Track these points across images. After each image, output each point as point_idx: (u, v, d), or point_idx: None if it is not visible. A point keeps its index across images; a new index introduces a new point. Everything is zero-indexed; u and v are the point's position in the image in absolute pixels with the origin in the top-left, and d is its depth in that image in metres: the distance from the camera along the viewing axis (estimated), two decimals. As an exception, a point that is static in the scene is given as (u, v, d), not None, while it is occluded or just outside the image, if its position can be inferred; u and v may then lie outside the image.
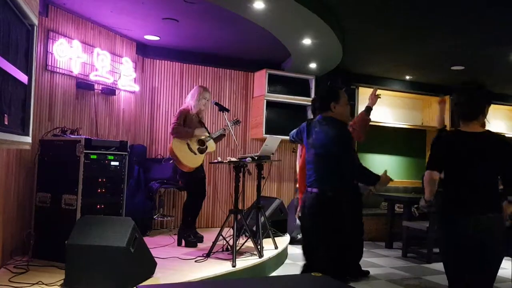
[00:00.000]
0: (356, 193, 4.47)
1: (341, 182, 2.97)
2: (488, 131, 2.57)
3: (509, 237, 2.60)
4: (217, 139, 4.93)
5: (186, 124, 4.66)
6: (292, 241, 5.93)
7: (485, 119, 2.63)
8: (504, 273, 4.50)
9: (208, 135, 4.82)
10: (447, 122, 4.02)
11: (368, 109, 3.96)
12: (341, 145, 2.98)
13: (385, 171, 3.02)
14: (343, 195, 2.97)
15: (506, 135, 8.62)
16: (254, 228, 4.65)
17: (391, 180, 3.05)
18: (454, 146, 2.55)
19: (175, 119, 4.66)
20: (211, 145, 4.84)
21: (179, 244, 4.75)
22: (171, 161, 4.71)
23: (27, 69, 2.46)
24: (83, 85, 4.79)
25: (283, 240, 5.39)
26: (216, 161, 4.53)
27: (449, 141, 2.61)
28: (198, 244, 4.79)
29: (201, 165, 4.82)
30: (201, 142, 4.75)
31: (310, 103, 6.66)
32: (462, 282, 2.55)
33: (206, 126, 4.91)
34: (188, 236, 4.76)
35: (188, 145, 4.63)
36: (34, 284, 3.21)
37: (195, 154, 4.67)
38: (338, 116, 3.08)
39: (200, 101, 4.76)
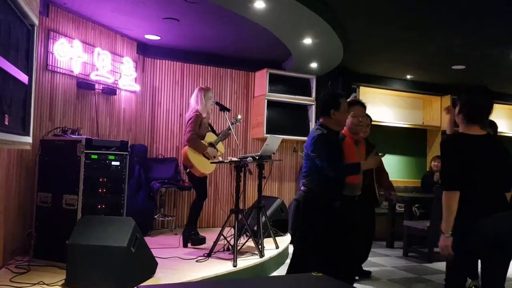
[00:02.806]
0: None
1: (315, 183, 3.21)
2: (489, 134, 2.58)
3: None
4: (223, 140, 4.95)
5: (199, 129, 4.65)
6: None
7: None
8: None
9: (216, 138, 4.83)
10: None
11: None
12: (314, 149, 3.16)
13: (374, 153, 3.21)
14: (318, 195, 3.18)
15: (507, 135, 8.64)
16: (255, 228, 4.64)
17: (380, 157, 3.29)
18: (465, 151, 2.52)
19: (191, 127, 4.56)
20: (220, 147, 4.84)
21: (185, 245, 4.70)
22: (188, 170, 4.65)
23: (27, 69, 2.46)
24: (84, 85, 4.79)
25: (284, 240, 5.39)
26: (217, 161, 4.52)
27: (461, 148, 2.54)
28: (201, 244, 4.79)
29: None
30: (212, 146, 4.75)
31: (311, 103, 6.70)
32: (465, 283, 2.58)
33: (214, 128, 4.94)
34: (193, 235, 4.75)
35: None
36: (35, 284, 3.21)
37: (209, 159, 4.67)
38: (335, 123, 3.26)
39: (207, 103, 4.74)
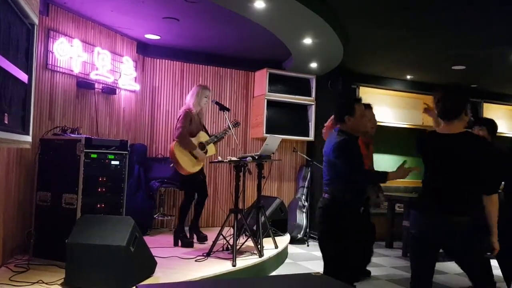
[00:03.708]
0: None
1: (338, 191, 3.10)
2: (467, 131, 2.59)
3: None
4: (215, 142, 4.93)
5: (190, 127, 4.63)
6: (292, 241, 5.94)
7: (468, 117, 2.63)
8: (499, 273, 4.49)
9: (209, 138, 4.82)
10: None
11: None
12: (338, 155, 3.06)
13: (404, 162, 3.04)
14: (343, 202, 3.08)
15: (506, 135, 8.63)
16: (254, 228, 4.65)
17: (409, 170, 3.01)
18: (429, 148, 2.63)
19: (181, 123, 4.55)
20: (211, 149, 4.82)
21: (176, 244, 4.73)
22: (172, 164, 4.68)
23: (27, 68, 2.46)
24: (84, 84, 4.79)
25: (283, 240, 5.40)
26: (216, 160, 4.52)
27: (424, 143, 2.70)
28: (200, 243, 4.79)
29: (201, 168, 4.81)
30: (202, 146, 4.74)
31: (310, 103, 6.70)
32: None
33: (206, 127, 4.91)
34: (185, 236, 4.76)
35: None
36: (34, 283, 3.21)
37: (196, 158, 4.65)
38: (351, 129, 3.15)
39: (201, 100, 4.74)
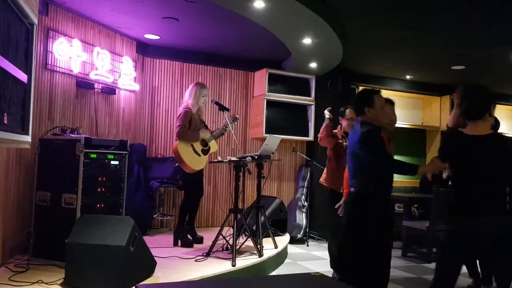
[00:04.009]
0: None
1: (365, 183, 3.08)
2: (496, 133, 2.59)
3: None
4: (216, 138, 4.92)
5: (189, 125, 4.62)
6: (292, 241, 5.94)
7: (492, 119, 2.64)
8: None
9: (210, 135, 4.81)
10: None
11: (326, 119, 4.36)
12: (362, 146, 3.03)
13: (436, 157, 2.94)
14: (366, 193, 3.07)
15: (507, 135, 8.64)
16: (254, 228, 4.65)
17: (443, 166, 2.83)
18: (461, 150, 2.57)
19: (180, 122, 4.55)
20: (213, 145, 4.82)
21: (175, 244, 4.73)
22: (177, 164, 4.68)
23: (26, 68, 2.45)
24: (83, 84, 4.79)
25: (283, 240, 5.39)
26: (216, 160, 4.52)
27: (455, 145, 2.62)
28: (199, 244, 4.79)
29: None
30: (204, 143, 4.74)
31: (310, 103, 6.70)
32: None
33: (206, 124, 4.92)
34: (185, 236, 4.75)
35: (192, 146, 4.61)
36: (34, 283, 3.21)
37: (199, 155, 4.65)
38: (372, 120, 3.14)
39: (199, 99, 4.72)
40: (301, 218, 6.28)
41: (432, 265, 5.33)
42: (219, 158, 4.57)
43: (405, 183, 7.94)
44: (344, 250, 3.20)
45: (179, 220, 4.81)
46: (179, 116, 4.63)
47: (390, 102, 3.87)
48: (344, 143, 4.41)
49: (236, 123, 5.34)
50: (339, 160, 4.33)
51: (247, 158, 4.27)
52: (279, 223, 5.71)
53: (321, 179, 4.54)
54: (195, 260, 4.08)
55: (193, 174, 4.65)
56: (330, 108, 4.46)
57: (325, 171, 4.54)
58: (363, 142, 3.02)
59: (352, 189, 3.15)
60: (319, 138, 4.46)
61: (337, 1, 4.39)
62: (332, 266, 4.37)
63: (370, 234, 3.02)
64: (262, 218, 4.68)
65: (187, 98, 4.74)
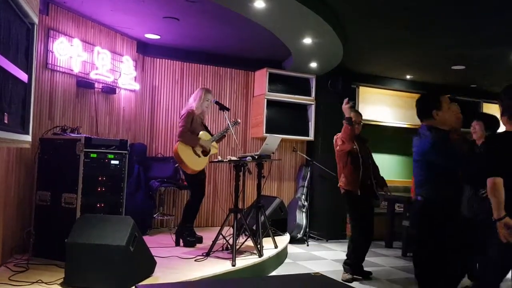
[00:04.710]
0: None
1: (436, 190, 2.94)
2: None
3: None
4: (218, 141, 4.93)
5: (191, 126, 4.65)
6: (292, 241, 5.94)
7: None
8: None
9: (211, 137, 4.83)
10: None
11: (348, 120, 4.30)
12: (438, 152, 2.90)
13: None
14: (437, 201, 2.92)
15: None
16: (254, 227, 4.65)
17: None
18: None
19: (183, 123, 4.61)
20: (214, 147, 4.84)
21: (177, 244, 4.73)
22: (177, 164, 4.70)
23: (27, 67, 2.46)
24: (84, 84, 4.79)
25: (283, 239, 5.40)
26: (216, 160, 4.53)
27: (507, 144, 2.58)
28: (198, 243, 4.78)
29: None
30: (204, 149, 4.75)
31: (310, 102, 6.70)
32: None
33: (207, 126, 4.92)
34: (187, 236, 4.76)
35: (192, 148, 4.63)
36: (34, 282, 3.21)
37: (200, 157, 4.66)
38: (441, 123, 2.98)
39: (203, 103, 4.76)
40: (301, 218, 6.28)
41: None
42: (219, 158, 4.57)
43: (406, 183, 7.95)
44: (427, 262, 3.06)
45: (184, 219, 4.81)
46: (181, 117, 4.70)
47: (454, 100, 3.66)
48: (354, 146, 4.48)
49: (237, 126, 5.35)
50: (356, 162, 4.45)
51: (247, 158, 4.27)
52: (279, 223, 5.71)
53: (340, 184, 4.58)
54: (195, 260, 4.08)
55: (197, 174, 4.67)
56: (351, 104, 4.36)
57: (342, 175, 4.56)
58: (437, 150, 2.88)
59: (419, 198, 2.96)
60: (341, 142, 4.40)
61: (337, 1, 4.39)
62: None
63: (444, 246, 2.90)
64: (262, 218, 4.68)
65: (192, 101, 4.79)
